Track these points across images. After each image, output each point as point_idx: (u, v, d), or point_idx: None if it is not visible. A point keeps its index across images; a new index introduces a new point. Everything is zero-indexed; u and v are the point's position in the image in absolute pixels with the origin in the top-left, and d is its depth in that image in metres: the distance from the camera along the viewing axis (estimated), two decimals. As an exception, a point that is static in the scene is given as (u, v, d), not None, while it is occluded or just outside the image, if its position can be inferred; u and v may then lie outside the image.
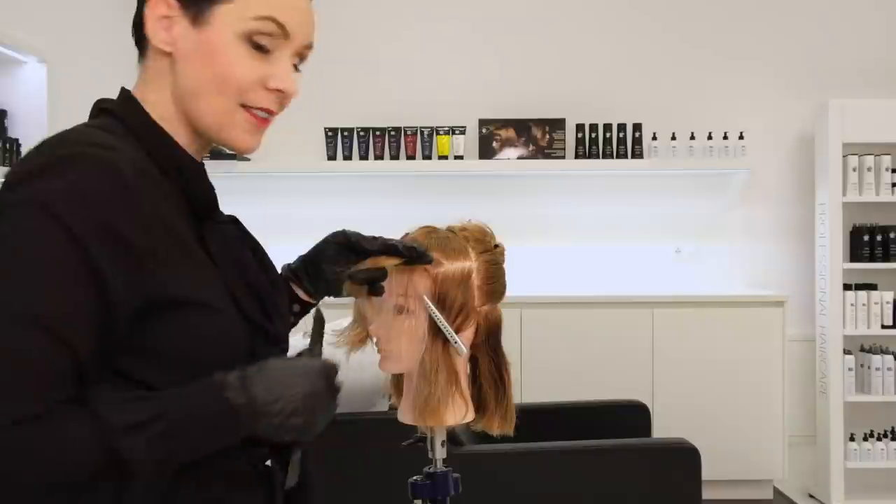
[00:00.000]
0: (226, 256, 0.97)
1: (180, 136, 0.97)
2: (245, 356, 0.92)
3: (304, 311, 1.16)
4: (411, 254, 1.14)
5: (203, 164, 1.00)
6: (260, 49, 0.95)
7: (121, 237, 0.84)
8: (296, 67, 1.00)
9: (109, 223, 0.83)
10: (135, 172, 0.87)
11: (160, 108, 0.97)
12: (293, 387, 0.90)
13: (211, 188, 0.99)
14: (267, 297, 0.99)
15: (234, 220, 1.04)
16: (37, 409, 0.79)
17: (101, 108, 0.98)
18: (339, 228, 1.15)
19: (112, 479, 0.81)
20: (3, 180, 0.88)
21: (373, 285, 1.14)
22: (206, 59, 0.94)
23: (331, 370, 0.95)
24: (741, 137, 4.10)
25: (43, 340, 0.80)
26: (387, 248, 1.12)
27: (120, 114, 0.96)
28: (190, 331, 0.89)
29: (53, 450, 0.79)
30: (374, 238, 1.14)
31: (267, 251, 1.07)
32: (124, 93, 0.98)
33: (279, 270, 1.11)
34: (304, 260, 1.15)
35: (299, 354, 0.98)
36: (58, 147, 0.88)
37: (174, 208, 0.93)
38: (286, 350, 1.03)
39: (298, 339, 1.18)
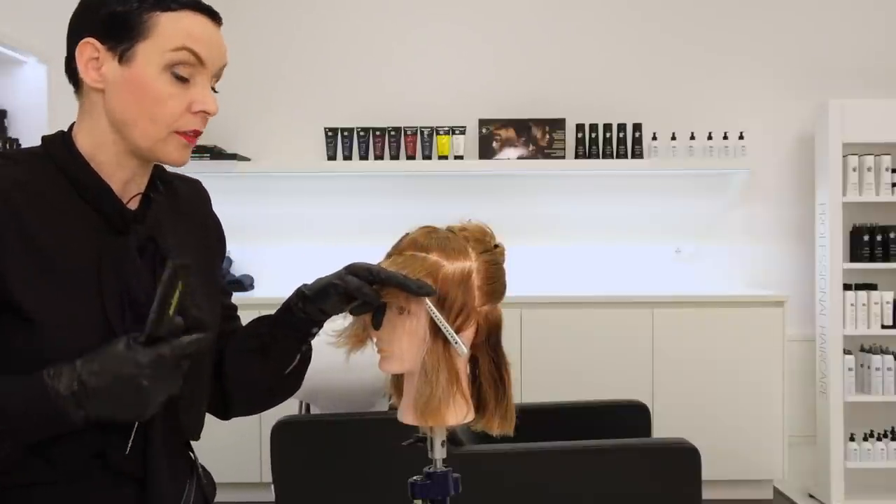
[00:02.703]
0: (112, 272, 1.08)
1: (115, 158, 1.11)
2: None
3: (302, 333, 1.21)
4: (421, 291, 1.15)
5: (110, 188, 1.11)
6: (181, 80, 1.09)
7: None
8: (213, 89, 1.14)
9: None
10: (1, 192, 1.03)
11: (96, 136, 1.11)
12: (114, 370, 0.96)
13: (121, 208, 1.11)
14: (139, 312, 1.07)
15: (151, 239, 1.14)
16: None
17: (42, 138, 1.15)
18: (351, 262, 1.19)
19: None
20: None
21: (374, 316, 1.18)
22: (136, 93, 1.08)
23: (140, 355, 0.97)
24: (741, 137, 4.10)
25: None
26: (398, 283, 1.14)
27: (47, 144, 1.13)
28: (30, 336, 1.01)
29: None
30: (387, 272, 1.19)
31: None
32: (65, 131, 1.14)
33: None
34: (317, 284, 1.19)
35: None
36: None
37: (73, 225, 1.07)
38: None
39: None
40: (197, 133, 1.12)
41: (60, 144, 1.12)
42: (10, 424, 0.96)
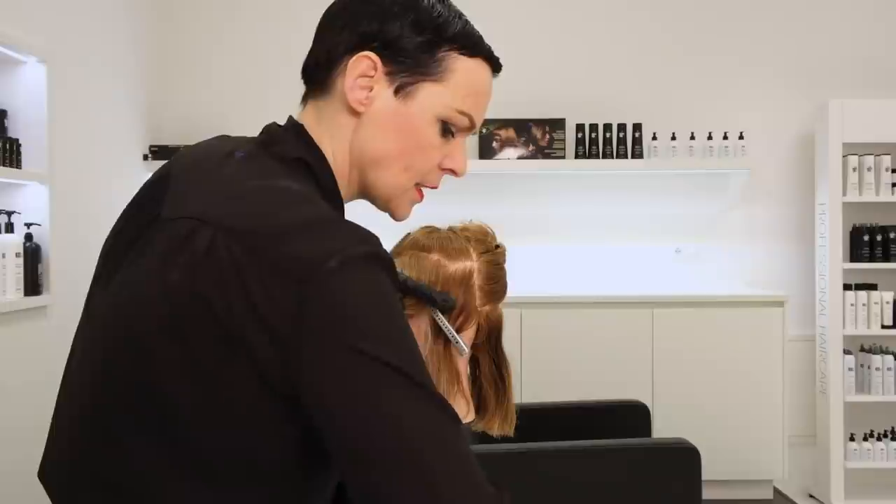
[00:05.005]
0: None
1: (345, 187, 0.96)
2: None
3: None
4: (446, 305, 1.14)
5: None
6: (447, 134, 0.95)
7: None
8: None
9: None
10: None
11: (337, 165, 0.94)
12: None
13: None
14: None
15: None
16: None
17: (296, 158, 0.91)
18: None
19: None
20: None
21: None
22: (402, 133, 0.92)
23: None
24: (741, 137, 4.10)
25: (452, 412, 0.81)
26: (423, 295, 1.13)
27: (315, 169, 0.92)
28: None
29: None
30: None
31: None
32: (310, 141, 0.93)
33: None
34: None
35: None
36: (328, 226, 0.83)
37: None
38: None
39: None
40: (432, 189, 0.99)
41: (330, 180, 0.93)
42: None
